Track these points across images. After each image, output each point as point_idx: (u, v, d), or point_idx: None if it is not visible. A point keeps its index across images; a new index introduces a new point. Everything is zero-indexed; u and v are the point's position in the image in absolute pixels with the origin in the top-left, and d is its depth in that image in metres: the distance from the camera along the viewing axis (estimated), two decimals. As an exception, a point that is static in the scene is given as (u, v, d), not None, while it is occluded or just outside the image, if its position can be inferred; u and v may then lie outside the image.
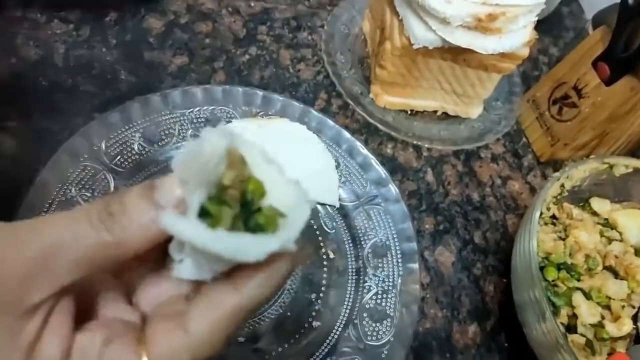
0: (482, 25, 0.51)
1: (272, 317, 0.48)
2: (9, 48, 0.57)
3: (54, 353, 0.21)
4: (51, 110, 0.54)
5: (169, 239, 0.22)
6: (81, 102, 0.55)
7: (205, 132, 0.21)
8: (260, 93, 0.57)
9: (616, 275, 0.48)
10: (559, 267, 0.48)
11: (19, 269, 0.20)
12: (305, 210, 0.21)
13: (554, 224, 0.52)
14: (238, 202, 0.21)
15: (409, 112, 0.65)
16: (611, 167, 0.52)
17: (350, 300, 0.50)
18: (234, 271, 0.22)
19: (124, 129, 0.52)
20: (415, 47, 0.53)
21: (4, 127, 0.51)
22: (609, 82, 0.56)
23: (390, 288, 0.50)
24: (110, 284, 0.25)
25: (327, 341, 0.47)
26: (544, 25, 0.76)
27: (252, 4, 0.69)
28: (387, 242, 0.52)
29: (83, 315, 0.23)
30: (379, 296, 0.50)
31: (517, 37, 0.53)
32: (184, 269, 0.23)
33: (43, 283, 0.21)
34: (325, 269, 0.51)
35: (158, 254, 0.24)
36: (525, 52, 0.55)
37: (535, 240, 0.45)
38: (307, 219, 0.21)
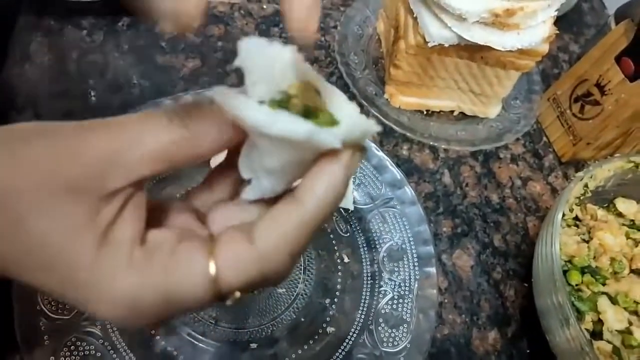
0: (500, 21, 0.49)
1: (287, 322, 0.47)
2: (23, 54, 0.57)
3: (127, 237, 0.22)
4: (64, 115, 0.54)
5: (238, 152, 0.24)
6: (95, 107, 0.55)
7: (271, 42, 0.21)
8: (272, 95, 0.56)
9: (644, 279, 0.46)
10: (582, 270, 0.46)
11: (102, 155, 0.21)
12: (372, 127, 0.22)
13: (577, 225, 0.50)
14: (300, 113, 0.21)
15: (425, 113, 0.63)
16: (637, 166, 0.50)
17: (366, 305, 0.48)
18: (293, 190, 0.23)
19: (136, 133, 0.51)
20: (430, 45, 0.52)
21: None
22: (633, 77, 0.54)
23: (406, 293, 0.49)
24: (183, 206, 0.26)
25: (342, 347, 0.46)
26: (563, 22, 0.74)
27: (265, 6, 0.68)
28: (403, 246, 0.51)
29: (153, 222, 0.24)
30: (395, 301, 0.48)
31: (536, 33, 0.51)
32: (253, 189, 0.24)
33: (122, 171, 0.21)
34: (339, 273, 0.50)
35: (230, 186, 0.26)
36: (544, 49, 0.53)
37: (558, 243, 0.43)
38: (371, 134, 0.22)
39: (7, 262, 0.21)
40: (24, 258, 0.21)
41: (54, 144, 0.21)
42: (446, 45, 0.52)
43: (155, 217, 0.24)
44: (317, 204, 0.22)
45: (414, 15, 0.53)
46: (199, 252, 0.22)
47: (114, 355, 0.42)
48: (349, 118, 0.22)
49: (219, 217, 0.25)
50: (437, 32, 0.51)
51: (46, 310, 0.42)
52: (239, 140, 0.23)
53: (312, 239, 0.23)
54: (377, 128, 0.22)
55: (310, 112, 0.21)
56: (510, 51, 0.51)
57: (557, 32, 0.53)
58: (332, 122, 0.22)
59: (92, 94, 0.56)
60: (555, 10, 0.52)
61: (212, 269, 0.22)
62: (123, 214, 0.22)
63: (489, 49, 0.51)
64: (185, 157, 0.23)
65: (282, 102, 0.21)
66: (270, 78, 0.21)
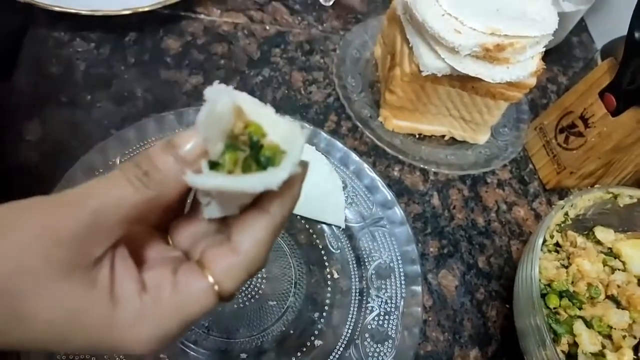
0: (490, 55, 0.52)
1: (276, 334, 0.48)
2: (32, 64, 0.59)
3: (132, 289, 0.24)
4: (70, 125, 0.56)
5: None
6: (99, 118, 0.57)
7: (211, 92, 0.24)
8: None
9: (618, 305, 0.48)
10: (561, 294, 0.49)
11: (78, 232, 0.23)
12: (300, 138, 0.25)
13: (557, 251, 0.53)
14: (247, 145, 0.25)
15: (417, 137, 0.66)
16: (615, 197, 0.52)
17: (353, 320, 0.50)
18: (255, 202, 0.26)
19: (138, 145, 0.53)
20: (424, 74, 0.55)
21: (24, 140, 0.53)
22: (615, 113, 0.57)
23: (392, 310, 0.51)
24: (148, 233, 0.28)
25: (329, 360, 0.48)
26: (553, 54, 0.78)
27: (267, 27, 0.71)
28: (391, 264, 0.53)
29: (136, 262, 0.26)
30: (381, 317, 0.50)
31: (524, 67, 0.54)
32: (212, 209, 0.27)
33: (100, 239, 0.24)
34: (329, 288, 0.52)
35: (181, 201, 0.29)
36: (532, 82, 0.56)
37: (538, 267, 0.46)
38: (303, 144, 0.25)
39: (26, 345, 0.24)
40: (41, 338, 0.23)
41: (32, 226, 0.23)
42: (439, 74, 0.54)
43: (134, 257, 0.26)
44: (282, 210, 0.26)
45: (410, 45, 0.56)
46: (195, 274, 0.25)
47: (109, 360, 0.44)
48: (290, 138, 0.25)
49: (184, 234, 0.28)
50: (431, 62, 0.53)
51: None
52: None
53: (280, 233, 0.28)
54: (307, 132, 0.25)
55: (256, 143, 0.25)
56: (500, 83, 0.54)
57: (545, 67, 0.56)
58: (277, 147, 0.25)
59: (98, 105, 0.58)
60: (544, 47, 0.55)
61: (211, 281, 0.25)
62: (116, 271, 0.24)
63: (479, 80, 0.54)
64: (152, 210, 0.26)
65: (235, 145, 0.25)
66: (221, 130, 0.24)
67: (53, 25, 0.62)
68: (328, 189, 0.56)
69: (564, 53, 0.81)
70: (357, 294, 0.52)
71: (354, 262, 0.53)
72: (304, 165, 0.27)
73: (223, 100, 0.24)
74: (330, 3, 0.74)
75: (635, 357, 0.45)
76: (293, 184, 0.26)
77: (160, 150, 0.25)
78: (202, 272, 0.25)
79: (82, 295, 0.23)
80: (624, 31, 0.55)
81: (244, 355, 0.47)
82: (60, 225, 0.23)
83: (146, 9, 0.62)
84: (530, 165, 0.67)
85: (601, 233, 0.54)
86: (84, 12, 0.59)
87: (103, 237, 0.24)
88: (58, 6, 0.58)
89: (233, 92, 0.25)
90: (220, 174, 0.24)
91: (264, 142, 0.25)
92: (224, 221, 0.28)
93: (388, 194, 0.56)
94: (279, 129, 0.25)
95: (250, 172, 0.25)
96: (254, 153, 0.25)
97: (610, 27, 0.79)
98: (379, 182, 0.57)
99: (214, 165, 0.24)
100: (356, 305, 0.51)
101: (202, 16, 0.69)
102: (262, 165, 0.25)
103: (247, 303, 0.49)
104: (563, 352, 0.46)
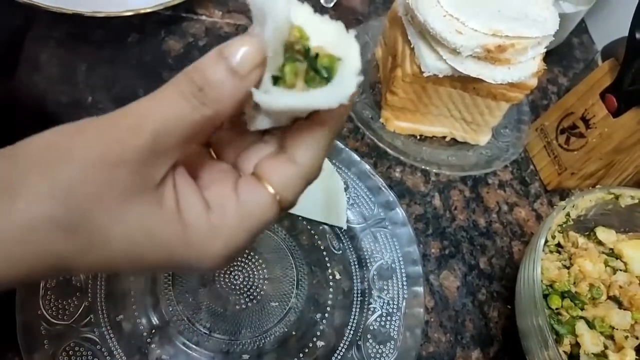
0: (492, 56, 0.52)
1: (278, 335, 0.48)
2: (34, 65, 0.59)
3: (198, 207, 0.24)
4: (71, 126, 0.56)
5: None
6: (100, 118, 0.57)
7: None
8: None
9: (620, 305, 0.49)
10: (562, 295, 0.49)
11: (139, 156, 0.22)
12: (352, 41, 0.23)
13: (559, 252, 0.53)
14: (302, 55, 0.23)
15: (418, 137, 0.66)
16: (617, 197, 0.52)
17: (355, 321, 0.50)
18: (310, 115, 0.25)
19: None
20: (425, 75, 0.55)
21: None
22: (616, 114, 0.57)
23: (394, 310, 0.51)
24: (198, 149, 0.28)
25: (331, 361, 0.48)
26: (554, 55, 0.78)
27: (269, 28, 0.71)
28: (393, 265, 0.53)
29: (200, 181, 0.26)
30: (384, 318, 0.50)
31: (525, 68, 0.54)
32: (261, 121, 0.26)
33: (161, 160, 0.23)
34: (331, 289, 0.52)
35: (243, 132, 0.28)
36: (533, 83, 0.56)
37: (540, 268, 0.46)
38: (358, 47, 0.23)
39: (101, 267, 0.24)
40: (117, 259, 0.23)
41: (89, 152, 0.22)
42: (440, 75, 0.55)
43: (189, 172, 0.26)
44: (337, 123, 0.26)
45: (411, 46, 0.56)
46: (255, 186, 0.25)
47: (111, 361, 0.44)
48: (340, 41, 0.24)
49: (249, 157, 0.28)
50: (432, 63, 0.54)
51: (47, 315, 0.44)
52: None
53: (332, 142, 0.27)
54: (355, 41, 0.24)
55: (309, 52, 0.23)
56: (501, 84, 0.54)
57: (546, 67, 0.56)
58: (332, 57, 0.23)
59: (99, 106, 0.58)
60: (545, 48, 0.55)
61: (272, 191, 0.25)
62: (179, 191, 0.24)
63: (480, 81, 0.54)
64: (209, 132, 0.25)
65: (293, 57, 0.23)
66: (279, 40, 0.23)
67: (54, 26, 0.62)
68: (330, 190, 0.56)
69: (565, 54, 0.81)
70: (359, 295, 0.52)
71: (355, 263, 0.53)
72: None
73: (281, 7, 0.22)
74: (332, 4, 0.74)
75: (637, 357, 0.45)
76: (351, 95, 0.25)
77: (214, 61, 0.23)
78: (261, 184, 0.25)
79: (153, 214, 0.23)
80: (623, 32, 0.55)
81: (245, 357, 0.47)
82: (118, 150, 0.22)
83: (148, 10, 0.62)
84: (531, 166, 0.67)
85: (603, 234, 0.54)
86: (85, 13, 0.59)
87: (164, 159, 0.23)
88: (59, 7, 0.58)
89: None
90: (286, 91, 0.23)
91: (314, 49, 0.23)
92: (269, 132, 0.27)
93: (390, 195, 0.56)
94: (324, 32, 0.24)
95: (314, 84, 0.23)
96: (311, 63, 0.23)
97: (610, 28, 0.79)
98: (381, 184, 0.57)
99: (275, 81, 0.23)
100: (358, 306, 0.51)
101: (203, 17, 0.69)
102: (323, 76, 0.23)
103: (249, 304, 0.49)
104: (565, 352, 0.46)
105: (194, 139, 0.24)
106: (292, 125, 0.26)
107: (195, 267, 0.25)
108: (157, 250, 0.24)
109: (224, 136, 0.28)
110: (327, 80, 0.23)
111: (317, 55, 0.23)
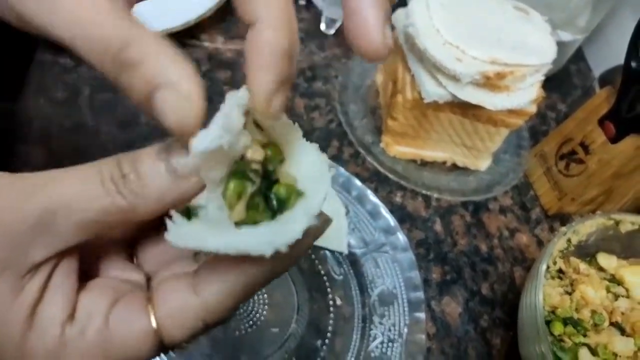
0: (491, 83, 0.53)
1: (278, 361, 0.48)
2: (38, 89, 0.60)
3: (56, 314, 0.20)
4: (74, 150, 0.56)
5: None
6: (103, 142, 0.58)
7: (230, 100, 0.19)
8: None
9: (623, 332, 0.48)
10: (565, 321, 0.48)
11: (22, 224, 0.19)
12: (326, 179, 0.20)
13: (560, 278, 0.52)
14: (259, 176, 0.20)
15: (419, 162, 0.66)
16: (617, 223, 0.52)
17: (356, 347, 0.50)
18: None
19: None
20: (426, 101, 0.55)
21: (29, 165, 0.54)
22: (614, 140, 0.57)
23: (396, 337, 0.50)
24: (112, 243, 0.24)
25: (332, 389, 0.47)
26: (552, 82, 0.78)
27: (270, 54, 0.72)
28: (394, 291, 0.53)
29: (86, 275, 0.22)
30: (385, 345, 0.50)
31: (524, 95, 0.55)
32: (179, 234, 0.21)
33: (47, 241, 0.19)
34: (331, 315, 0.51)
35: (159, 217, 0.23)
36: (532, 109, 0.57)
37: (542, 294, 0.46)
38: (328, 188, 0.19)
39: None
40: None
41: None
42: (441, 102, 0.55)
43: (87, 269, 0.23)
44: (273, 268, 0.21)
45: (412, 73, 0.57)
46: (134, 311, 0.21)
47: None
48: (313, 175, 0.20)
49: (153, 254, 0.24)
50: (432, 89, 0.54)
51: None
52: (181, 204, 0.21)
53: (265, 285, 0.21)
54: (332, 174, 0.20)
55: (270, 179, 0.20)
56: (501, 111, 0.55)
57: (544, 94, 0.57)
58: (292, 188, 0.20)
59: (103, 130, 0.58)
60: (543, 75, 0.56)
61: (153, 323, 0.21)
62: (49, 287, 0.20)
63: (480, 107, 0.54)
64: (119, 225, 0.21)
65: (244, 173, 0.19)
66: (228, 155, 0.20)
67: (59, 51, 0.63)
68: (330, 214, 0.56)
69: (563, 81, 0.82)
70: (360, 321, 0.51)
71: (356, 288, 0.53)
72: (324, 220, 0.21)
73: (237, 109, 0.18)
74: (333, 31, 0.75)
75: (641, 386, 0.44)
76: (301, 242, 0.19)
77: (154, 154, 0.20)
78: (145, 309, 0.21)
79: (3, 301, 0.19)
80: (619, 60, 0.56)
81: (245, 383, 0.46)
82: (7, 209, 0.19)
83: (152, 37, 0.63)
84: (532, 192, 0.67)
85: (604, 259, 0.54)
86: (90, 39, 0.60)
87: (51, 240, 0.19)
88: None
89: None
90: (208, 226, 0.18)
91: (280, 174, 0.20)
92: None
93: (391, 220, 0.56)
94: (303, 160, 0.20)
95: (256, 214, 0.19)
96: (265, 187, 0.20)
97: (607, 56, 0.80)
98: (382, 208, 0.57)
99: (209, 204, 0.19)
100: (359, 333, 0.51)
101: (206, 44, 0.70)
102: (271, 208, 0.19)
103: (249, 330, 0.49)
104: (569, 380, 0.45)
105: (101, 230, 0.20)
106: None
107: None
108: None
109: (152, 238, 0.24)
110: (274, 214, 0.20)
111: (276, 180, 0.20)
